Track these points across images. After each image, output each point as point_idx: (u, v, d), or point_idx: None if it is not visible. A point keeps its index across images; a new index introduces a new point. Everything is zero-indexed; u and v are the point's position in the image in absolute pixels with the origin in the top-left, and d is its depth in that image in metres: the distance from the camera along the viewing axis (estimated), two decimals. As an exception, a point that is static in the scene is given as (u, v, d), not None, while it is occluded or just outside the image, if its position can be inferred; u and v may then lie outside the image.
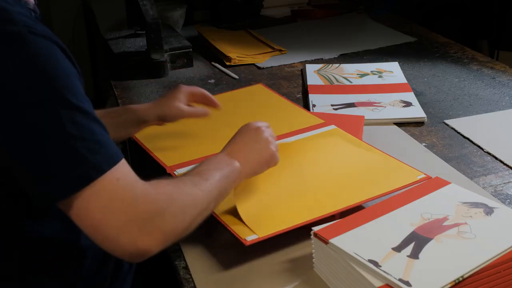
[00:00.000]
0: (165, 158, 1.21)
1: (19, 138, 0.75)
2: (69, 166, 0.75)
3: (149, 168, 1.24)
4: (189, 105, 1.22)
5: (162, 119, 1.22)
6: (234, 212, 1.00)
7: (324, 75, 1.66)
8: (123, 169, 0.79)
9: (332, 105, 1.48)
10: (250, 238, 0.95)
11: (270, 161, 1.02)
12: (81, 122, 0.76)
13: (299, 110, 1.43)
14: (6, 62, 0.74)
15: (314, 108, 1.47)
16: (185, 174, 0.92)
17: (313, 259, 0.93)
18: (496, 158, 1.24)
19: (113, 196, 0.77)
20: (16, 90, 0.74)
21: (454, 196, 1.01)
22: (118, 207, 0.77)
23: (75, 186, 0.75)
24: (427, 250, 0.86)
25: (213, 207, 0.91)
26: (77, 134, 0.75)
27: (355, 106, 1.47)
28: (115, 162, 0.78)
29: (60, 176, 0.75)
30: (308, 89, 1.57)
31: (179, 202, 0.83)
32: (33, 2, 0.88)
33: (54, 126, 0.74)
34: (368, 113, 1.42)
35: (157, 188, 0.82)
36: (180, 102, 1.21)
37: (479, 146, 1.29)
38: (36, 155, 0.75)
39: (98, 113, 1.04)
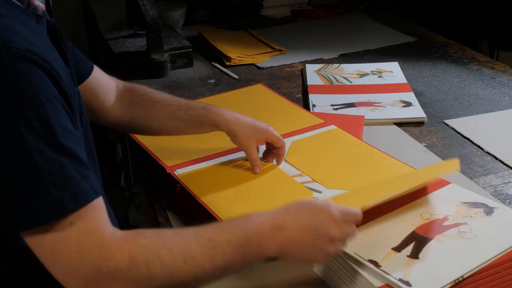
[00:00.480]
0: (165, 158, 1.21)
1: None
2: (24, 199, 0.70)
3: (149, 168, 1.24)
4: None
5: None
6: (234, 212, 1.00)
7: (324, 75, 1.66)
8: (86, 214, 0.72)
9: (332, 105, 1.48)
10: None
11: (313, 261, 0.83)
12: (49, 155, 0.71)
13: (299, 110, 1.43)
14: None
15: (314, 108, 1.46)
16: (194, 231, 0.77)
17: (313, 259, 0.93)
18: (496, 158, 1.24)
19: (60, 241, 0.71)
20: None
21: (454, 196, 1.01)
22: (62, 254, 0.71)
23: (30, 222, 0.71)
24: (427, 250, 0.86)
25: (203, 282, 0.78)
26: (40, 166, 0.70)
27: (355, 106, 1.47)
28: (80, 204, 0.72)
29: (14, 208, 0.71)
30: (308, 89, 1.57)
31: (144, 269, 0.72)
32: (43, 7, 0.84)
33: (16, 154, 0.70)
34: (368, 113, 1.42)
35: (126, 245, 0.73)
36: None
37: (479, 146, 1.29)
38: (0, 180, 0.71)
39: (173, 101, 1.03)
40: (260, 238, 0.77)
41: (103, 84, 1.12)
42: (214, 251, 0.75)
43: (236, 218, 0.80)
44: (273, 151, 1.16)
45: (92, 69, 1.09)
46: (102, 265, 0.71)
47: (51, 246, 0.72)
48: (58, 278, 0.73)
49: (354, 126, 1.34)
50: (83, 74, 1.07)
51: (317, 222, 0.79)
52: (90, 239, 0.72)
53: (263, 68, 1.77)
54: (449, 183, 1.04)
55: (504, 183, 1.16)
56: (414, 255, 0.86)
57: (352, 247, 0.86)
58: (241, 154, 1.20)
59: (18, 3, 0.80)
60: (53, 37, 0.86)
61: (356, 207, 0.82)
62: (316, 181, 1.11)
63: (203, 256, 0.75)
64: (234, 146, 1.25)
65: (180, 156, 1.22)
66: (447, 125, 1.39)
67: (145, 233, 0.76)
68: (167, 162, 1.19)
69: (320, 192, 1.08)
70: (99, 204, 0.75)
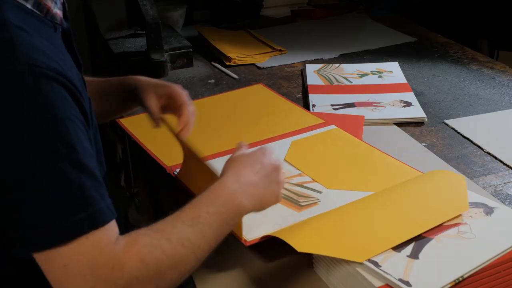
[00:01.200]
0: (165, 158, 1.21)
1: (0, 183, 0.71)
2: (43, 220, 0.70)
3: (149, 168, 1.24)
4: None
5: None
6: None
7: (324, 75, 1.66)
8: (102, 232, 0.73)
9: (332, 105, 1.48)
10: (250, 238, 0.95)
11: (273, 203, 0.92)
12: (71, 175, 0.71)
13: (299, 110, 1.43)
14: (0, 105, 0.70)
15: (314, 108, 1.46)
16: (177, 216, 0.80)
17: (313, 259, 0.93)
18: (496, 158, 1.24)
19: (74, 258, 0.71)
20: (5, 133, 0.70)
21: (454, 196, 1.01)
22: (77, 269, 0.71)
23: (46, 243, 0.71)
24: (427, 250, 0.86)
25: (202, 259, 0.81)
26: (61, 188, 0.71)
27: (355, 106, 1.47)
28: (98, 224, 0.72)
29: (34, 229, 0.71)
30: (308, 89, 1.57)
31: (154, 268, 0.74)
32: (60, 15, 0.84)
33: (37, 175, 0.70)
34: (368, 113, 1.42)
35: (133, 248, 0.74)
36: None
37: (479, 146, 1.29)
38: (12, 199, 0.71)
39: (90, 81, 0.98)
40: (231, 198, 0.85)
41: None
42: (202, 226, 0.79)
43: (203, 192, 0.85)
44: (174, 109, 1.11)
45: None
46: (117, 276, 0.72)
47: (64, 263, 0.71)
48: None
49: (354, 126, 1.34)
50: None
51: (264, 166, 0.91)
52: (103, 254, 0.72)
53: (263, 68, 1.77)
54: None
55: (504, 183, 1.16)
56: (414, 255, 0.86)
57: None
58: None
59: (37, 12, 0.80)
60: (67, 42, 0.87)
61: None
62: (316, 181, 1.11)
63: (194, 234, 0.78)
64: (233, 146, 1.25)
65: (180, 156, 1.22)
66: (447, 125, 1.39)
67: (142, 232, 0.77)
68: (167, 162, 1.20)
69: (320, 192, 1.08)
70: (113, 223, 0.75)
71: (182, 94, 1.11)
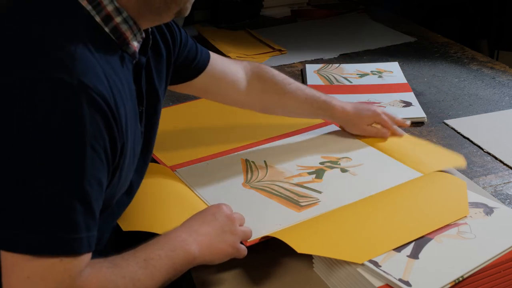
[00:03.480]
0: (165, 158, 1.21)
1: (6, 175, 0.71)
2: (25, 226, 0.70)
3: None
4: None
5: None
6: None
7: (324, 75, 1.66)
8: (75, 259, 0.73)
9: (332, 105, 1.48)
10: (249, 238, 0.95)
11: (228, 253, 0.91)
12: (67, 194, 0.71)
13: (299, 110, 1.43)
14: (33, 110, 0.70)
15: (314, 108, 1.46)
16: (133, 255, 0.82)
17: (313, 259, 0.93)
18: (496, 158, 1.24)
19: (37, 273, 0.71)
20: (30, 139, 0.70)
21: (454, 196, 1.01)
22: (39, 285, 0.71)
23: (19, 247, 0.70)
24: (427, 250, 0.86)
25: None
26: (55, 203, 0.71)
27: (355, 106, 1.47)
28: (72, 253, 0.72)
29: (12, 229, 0.71)
30: (308, 89, 1.57)
31: None
32: (136, 48, 0.85)
33: (38, 186, 0.70)
34: (368, 113, 1.42)
35: (94, 280, 0.75)
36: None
37: (479, 146, 1.29)
38: (10, 196, 0.71)
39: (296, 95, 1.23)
40: (182, 244, 0.86)
41: (226, 71, 1.19)
42: (153, 268, 0.81)
43: (159, 236, 0.87)
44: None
45: (208, 58, 1.17)
46: None
47: (27, 275, 0.71)
48: None
49: (354, 126, 1.34)
50: (200, 66, 1.15)
51: (216, 218, 0.92)
52: (69, 281, 0.72)
53: (263, 68, 1.77)
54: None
55: (504, 183, 1.16)
56: (414, 255, 0.86)
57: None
58: (242, 154, 1.20)
59: (112, 37, 0.80)
60: (137, 75, 0.88)
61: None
62: (315, 181, 1.12)
63: (145, 276, 0.80)
64: (233, 146, 1.25)
65: (180, 155, 1.22)
66: (447, 125, 1.39)
67: (106, 264, 0.78)
68: (167, 162, 1.20)
69: (320, 192, 1.08)
70: (87, 256, 0.75)
71: (388, 121, 1.26)
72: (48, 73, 0.71)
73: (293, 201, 1.06)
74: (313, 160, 1.19)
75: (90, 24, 0.78)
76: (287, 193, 1.08)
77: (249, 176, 1.14)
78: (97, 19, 0.78)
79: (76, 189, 0.72)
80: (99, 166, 0.75)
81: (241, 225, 0.95)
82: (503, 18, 2.45)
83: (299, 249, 0.88)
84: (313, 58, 1.82)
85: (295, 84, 1.25)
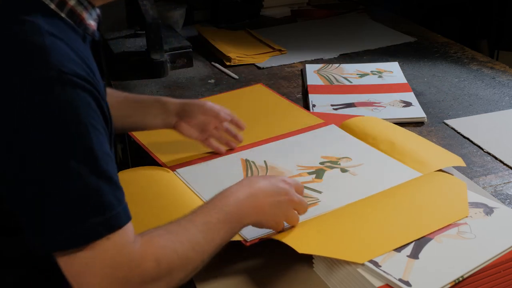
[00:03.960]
0: (165, 158, 1.21)
1: (22, 185, 0.73)
2: (62, 223, 0.73)
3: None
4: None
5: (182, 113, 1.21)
6: None
7: (324, 75, 1.66)
8: (118, 234, 0.76)
9: (332, 105, 1.48)
10: (250, 238, 0.95)
11: (271, 227, 0.94)
12: (90, 180, 0.74)
13: (299, 110, 1.43)
14: (28, 109, 0.72)
15: (314, 108, 1.46)
16: (190, 219, 0.84)
17: (313, 259, 0.93)
18: (496, 158, 1.24)
19: (95, 257, 0.74)
20: (31, 137, 0.72)
21: (454, 196, 1.01)
22: (96, 268, 0.75)
23: (65, 245, 0.74)
24: (427, 250, 0.86)
25: (206, 262, 0.85)
26: (80, 192, 0.73)
27: (355, 106, 1.47)
28: (114, 228, 0.75)
29: (52, 231, 0.73)
30: (308, 89, 1.57)
31: (166, 267, 0.78)
32: (94, 27, 0.86)
33: (58, 179, 0.73)
34: (368, 113, 1.42)
35: (149, 249, 0.78)
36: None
37: (479, 146, 1.29)
38: (33, 202, 0.73)
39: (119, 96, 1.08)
40: (241, 210, 0.88)
41: None
42: (211, 232, 0.83)
43: (217, 197, 0.89)
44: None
45: None
46: (134, 275, 0.76)
47: (85, 262, 0.74)
48: None
49: (354, 126, 1.34)
50: None
51: (277, 185, 0.93)
52: (122, 255, 0.76)
53: (263, 68, 1.77)
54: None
55: (504, 183, 1.16)
56: (414, 255, 0.86)
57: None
58: (243, 154, 1.20)
59: (69, 20, 0.81)
60: (95, 52, 0.88)
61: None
62: (315, 181, 1.12)
63: (205, 239, 0.82)
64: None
65: (180, 156, 1.22)
66: (447, 125, 1.39)
67: (158, 232, 0.81)
68: (167, 162, 1.20)
69: (320, 192, 1.08)
70: (129, 225, 0.78)
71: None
72: (28, 73, 0.72)
73: None
74: (313, 160, 1.19)
75: (48, 13, 0.78)
76: None
77: (249, 175, 1.14)
78: (52, 6, 0.79)
79: (95, 171, 0.74)
80: (103, 141, 0.77)
81: (299, 193, 0.96)
82: (503, 18, 2.45)
83: (300, 249, 0.88)
84: (313, 58, 1.82)
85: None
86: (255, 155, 1.22)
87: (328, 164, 1.18)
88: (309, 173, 1.15)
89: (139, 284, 0.76)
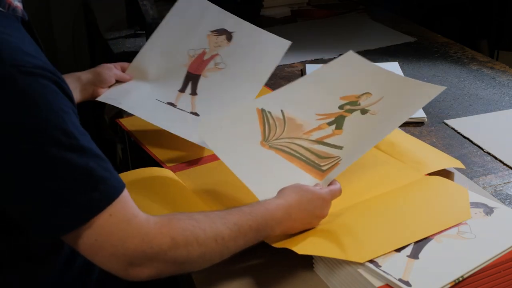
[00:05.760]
0: (165, 159, 1.21)
1: (13, 179, 0.75)
2: (62, 207, 0.75)
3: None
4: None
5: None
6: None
7: (324, 75, 1.65)
8: (119, 204, 0.78)
9: (332, 105, 1.47)
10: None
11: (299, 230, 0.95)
12: (77, 161, 0.75)
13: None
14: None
15: (314, 108, 1.46)
16: (220, 216, 0.86)
17: (313, 260, 0.93)
18: (496, 158, 1.24)
19: (102, 232, 0.77)
20: (8, 134, 0.73)
21: (454, 196, 1.01)
22: (106, 242, 0.77)
23: (69, 226, 0.76)
24: (427, 250, 0.87)
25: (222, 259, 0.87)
26: (71, 175, 0.75)
27: (355, 106, 1.47)
28: (112, 198, 0.77)
29: (51, 216, 0.75)
30: (308, 89, 1.57)
31: (184, 250, 0.80)
32: (21, 7, 0.85)
33: (47, 169, 0.74)
34: (368, 113, 1.42)
35: (165, 228, 0.80)
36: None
37: (479, 146, 1.29)
38: (29, 196, 0.75)
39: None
40: (273, 223, 0.89)
41: None
42: (238, 233, 0.85)
43: (254, 204, 0.90)
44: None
45: None
46: (146, 246, 0.77)
47: (95, 237, 0.76)
48: (100, 264, 0.78)
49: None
50: None
51: (315, 206, 0.93)
52: (130, 225, 0.77)
53: (263, 68, 1.77)
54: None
55: (504, 183, 1.16)
56: (414, 255, 0.86)
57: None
58: (257, 102, 1.16)
59: (2, 9, 0.81)
60: (30, 33, 0.88)
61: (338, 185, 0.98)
62: (336, 134, 1.08)
63: (229, 237, 0.84)
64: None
65: (180, 156, 1.22)
66: (447, 125, 1.39)
67: (178, 216, 0.82)
68: (167, 162, 1.20)
69: (341, 148, 1.04)
70: (126, 193, 0.80)
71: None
72: None
73: (315, 166, 1.03)
74: (332, 104, 1.12)
75: None
76: (308, 154, 1.05)
77: (266, 132, 1.08)
78: None
79: (79, 152, 0.76)
80: (76, 121, 0.78)
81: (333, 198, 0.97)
82: (503, 18, 2.44)
83: (300, 251, 0.88)
84: (313, 58, 1.82)
85: None
86: (271, 103, 1.12)
87: (348, 107, 1.11)
88: (329, 124, 1.09)
89: (153, 257, 0.77)
